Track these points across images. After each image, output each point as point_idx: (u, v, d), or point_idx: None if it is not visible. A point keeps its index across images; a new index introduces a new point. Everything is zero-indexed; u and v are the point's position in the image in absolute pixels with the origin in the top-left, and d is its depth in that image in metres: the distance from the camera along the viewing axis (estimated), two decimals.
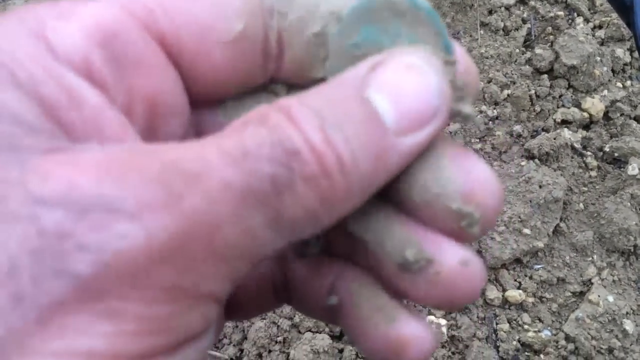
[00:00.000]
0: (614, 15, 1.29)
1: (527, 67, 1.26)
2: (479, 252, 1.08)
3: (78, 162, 0.18)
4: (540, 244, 1.09)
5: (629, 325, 1.03)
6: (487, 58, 1.28)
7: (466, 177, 0.22)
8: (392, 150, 0.21)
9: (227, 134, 0.20)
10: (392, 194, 0.23)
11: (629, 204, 1.11)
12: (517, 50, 1.29)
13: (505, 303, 1.07)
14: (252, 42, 0.23)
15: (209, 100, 0.25)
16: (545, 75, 1.25)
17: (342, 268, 0.26)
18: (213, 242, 0.18)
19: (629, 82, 1.26)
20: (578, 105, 1.23)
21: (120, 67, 0.22)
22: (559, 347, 1.03)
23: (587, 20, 1.32)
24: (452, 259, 0.23)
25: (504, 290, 1.08)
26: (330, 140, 0.20)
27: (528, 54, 1.28)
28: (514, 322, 1.06)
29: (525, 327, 1.05)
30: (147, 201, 0.18)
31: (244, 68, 0.24)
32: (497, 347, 1.04)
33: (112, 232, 0.17)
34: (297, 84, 0.25)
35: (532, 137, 1.20)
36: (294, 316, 1.04)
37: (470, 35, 1.32)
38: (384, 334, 0.24)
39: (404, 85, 0.21)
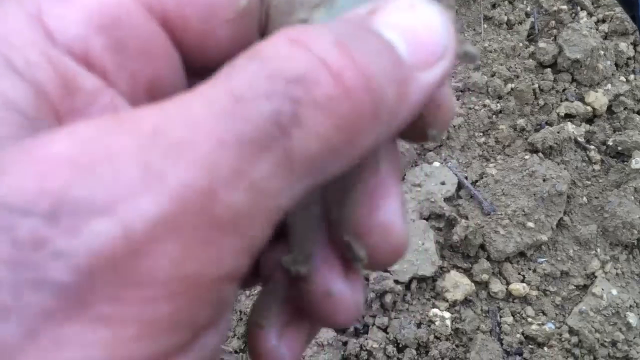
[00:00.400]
0: (618, 9, 1.29)
1: (531, 61, 1.26)
2: (482, 246, 1.09)
3: (47, 160, 0.16)
4: (544, 238, 1.09)
5: (632, 319, 1.03)
6: (490, 52, 1.28)
7: (368, 216, 0.21)
8: (412, 81, 0.19)
9: (214, 81, 0.17)
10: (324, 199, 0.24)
11: (632, 197, 1.11)
12: (521, 44, 1.29)
13: (509, 296, 1.07)
14: (252, 18, 0.23)
15: (201, 72, 0.25)
16: (549, 69, 1.25)
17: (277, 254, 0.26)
18: (213, 213, 0.16)
19: (632, 76, 1.26)
20: (581, 99, 1.23)
21: (122, 53, 0.21)
22: (563, 340, 1.03)
23: (590, 14, 1.31)
24: (320, 284, 0.23)
25: (508, 283, 1.08)
26: (351, 52, 0.17)
27: (532, 48, 1.28)
28: (518, 315, 1.06)
29: (529, 320, 1.06)
30: (121, 191, 0.16)
31: (243, 42, 0.23)
32: (500, 340, 1.04)
33: (85, 234, 0.15)
34: None
35: (536, 130, 1.20)
36: None
37: (474, 29, 1.32)
38: (251, 334, 0.25)
39: (411, 22, 0.20)
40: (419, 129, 0.23)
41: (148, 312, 0.16)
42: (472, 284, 1.06)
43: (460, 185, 1.15)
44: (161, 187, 0.16)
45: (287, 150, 0.17)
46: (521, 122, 1.21)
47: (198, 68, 0.23)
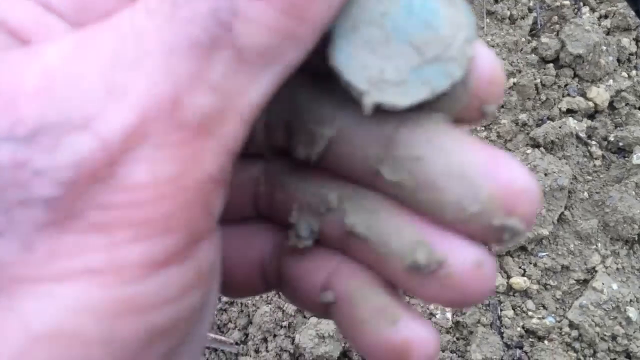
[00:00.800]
0: (620, 4, 1.29)
1: (533, 55, 1.26)
2: None
3: (20, 92, 0.17)
4: (545, 232, 1.09)
5: (632, 313, 1.03)
6: (493, 47, 1.28)
7: (507, 189, 0.20)
8: None
9: None
10: (403, 198, 0.22)
11: (633, 192, 1.11)
12: (523, 39, 1.29)
13: (510, 290, 1.08)
14: None
15: None
16: (551, 64, 1.25)
17: (339, 263, 0.24)
18: (180, 117, 0.17)
19: (634, 72, 1.26)
20: (583, 94, 1.24)
21: (86, 16, 0.21)
22: (563, 333, 1.04)
23: (593, 10, 1.31)
24: (465, 260, 0.21)
25: (509, 277, 1.08)
26: None
27: (534, 43, 1.28)
28: (518, 308, 1.07)
29: (530, 313, 1.06)
30: (91, 108, 0.17)
31: None
32: (501, 333, 1.04)
33: (64, 149, 0.16)
34: None
35: (538, 125, 1.20)
36: None
37: (476, 24, 1.32)
38: (385, 337, 0.22)
39: None
40: (475, 109, 0.22)
41: (140, 215, 0.17)
42: None
43: None
44: (125, 100, 0.16)
45: (237, 45, 0.17)
46: (523, 117, 1.21)
47: None
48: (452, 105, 0.22)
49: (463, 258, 0.21)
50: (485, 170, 0.20)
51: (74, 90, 0.17)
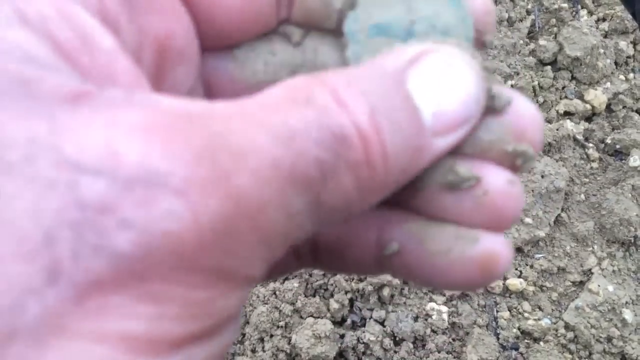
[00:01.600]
0: (618, 7, 1.29)
1: (531, 58, 1.26)
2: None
3: (117, 123, 0.16)
4: (542, 234, 1.09)
5: (628, 315, 1.03)
6: (491, 49, 1.28)
7: (514, 117, 0.23)
8: (426, 149, 0.21)
9: (271, 108, 0.18)
10: None
11: (629, 195, 1.12)
12: (521, 42, 1.29)
13: (506, 291, 1.08)
14: None
15: (218, 48, 0.24)
16: (549, 67, 1.25)
17: (385, 217, 0.25)
18: (258, 224, 0.17)
19: (631, 75, 1.27)
20: (581, 97, 1.24)
21: (132, 6, 0.21)
22: (559, 335, 1.04)
23: (591, 13, 1.32)
24: (500, 178, 0.23)
25: (505, 278, 1.08)
26: (378, 126, 0.19)
27: (532, 45, 1.28)
28: (515, 310, 1.07)
29: (526, 315, 1.06)
30: (194, 177, 0.16)
31: (258, 14, 0.23)
32: (497, 335, 1.05)
33: (159, 210, 0.16)
34: (308, 26, 0.25)
35: None
36: (296, 301, 1.04)
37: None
38: (471, 256, 0.23)
39: (443, 87, 0.21)
40: (475, 42, 0.24)
41: (191, 296, 0.17)
42: None
43: None
44: (227, 186, 0.17)
45: (319, 197, 0.19)
46: None
47: (213, 35, 0.24)
48: None
49: (497, 177, 0.23)
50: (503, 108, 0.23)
51: (180, 149, 0.16)
